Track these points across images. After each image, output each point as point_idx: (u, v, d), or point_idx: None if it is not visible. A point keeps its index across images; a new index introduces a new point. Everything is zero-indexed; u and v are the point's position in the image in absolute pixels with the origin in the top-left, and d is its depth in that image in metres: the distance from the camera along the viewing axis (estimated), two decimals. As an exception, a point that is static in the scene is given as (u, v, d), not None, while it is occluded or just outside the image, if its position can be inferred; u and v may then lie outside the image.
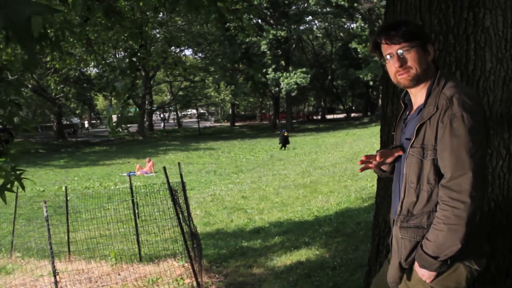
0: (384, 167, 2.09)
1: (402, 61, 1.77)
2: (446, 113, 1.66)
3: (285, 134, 24.74)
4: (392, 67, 1.81)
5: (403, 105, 2.00)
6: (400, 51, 1.77)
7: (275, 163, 18.75)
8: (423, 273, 1.76)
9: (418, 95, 1.85)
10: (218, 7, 3.43)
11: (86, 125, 52.98)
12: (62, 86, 29.23)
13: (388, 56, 1.81)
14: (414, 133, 1.77)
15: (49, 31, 3.05)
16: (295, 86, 35.71)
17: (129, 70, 3.92)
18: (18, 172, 2.42)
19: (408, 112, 1.96)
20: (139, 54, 3.99)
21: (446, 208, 1.65)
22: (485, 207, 2.35)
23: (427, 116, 1.72)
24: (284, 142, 24.42)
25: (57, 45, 2.86)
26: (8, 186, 2.37)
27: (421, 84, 1.81)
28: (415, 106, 1.89)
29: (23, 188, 2.45)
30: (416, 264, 1.78)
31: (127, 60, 3.99)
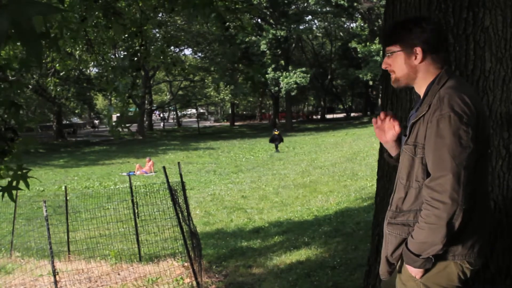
0: (391, 152, 2.08)
1: (386, 63, 1.85)
2: (435, 113, 1.67)
3: (276, 133, 22.99)
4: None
5: (413, 101, 2.02)
6: (386, 53, 1.84)
7: (274, 163, 18.75)
8: (411, 270, 1.79)
9: (420, 92, 1.86)
10: (216, 6, 3.43)
11: (97, 123, 53.09)
12: (61, 87, 29.20)
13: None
14: (408, 130, 1.79)
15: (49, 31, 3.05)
16: (294, 85, 35.68)
17: (130, 69, 3.93)
18: (24, 171, 2.43)
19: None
20: (139, 53, 3.99)
21: (427, 208, 1.67)
22: (487, 208, 2.35)
23: (420, 114, 1.74)
24: (275, 142, 22.56)
25: (54, 43, 2.86)
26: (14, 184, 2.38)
27: (419, 82, 1.83)
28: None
29: (27, 186, 2.46)
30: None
31: (127, 60, 3.99)
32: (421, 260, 1.72)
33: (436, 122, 1.65)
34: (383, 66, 1.87)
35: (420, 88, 1.84)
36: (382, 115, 2.03)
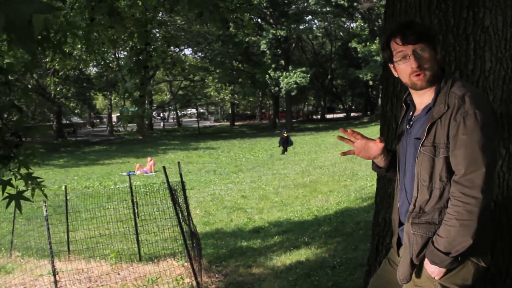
0: (379, 163, 2.11)
1: (419, 61, 1.76)
2: (458, 111, 1.68)
3: (285, 135, 22.10)
4: (407, 67, 1.79)
5: (405, 106, 2.00)
6: (417, 51, 1.77)
7: (274, 163, 18.75)
8: (433, 270, 1.77)
9: (424, 95, 1.85)
10: (218, 6, 3.43)
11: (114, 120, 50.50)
12: (61, 87, 29.21)
13: (401, 56, 1.80)
14: (424, 132, 1.78)
15: (51, 33, 3.05)
16: (294, 85, 35.68)
17: (136, 68, 3.93)
18: (36, 180, 2.37)
19: (411, 112, 1.96)
20: (145, 52, 3.99)
21: (458, 204, 1.67)
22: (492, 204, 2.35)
23: (438, 115, 1.74)
24: (285, 144, 21.80)
25: (59, 48, 2.86)
26: (25, 194, 2.31)
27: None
28: (420, 106, 1.89)
29: (45, 196, 2.41)
30: (426, 261, 1.79)
31: (132, 59, 3.99)
32: (450, 259, 1.71)
33: (462, 119, 1.67)
34: (414, 65, 1.76)
35: (427, 90, 1.83)
36: (353, 134, 2.10)
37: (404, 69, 1.81)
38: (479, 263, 1.77)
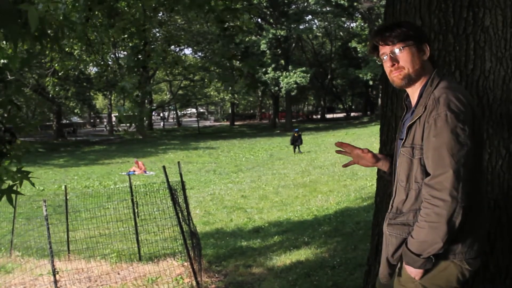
0: (382, 168, 2.15)
1: (393, 60, 1.80)
2: (432, 113, 1.69)
3: (296, 135, 21.40)
4: (386, 67, 1.85)
5: (405, 107, 2.02)
6: (392, 51, 1.80)
7: (274, 162, 18.75)
8: (411, 270, 1.78)
9: (414, 96, 1.87)
10: (215, 6, 3.44)
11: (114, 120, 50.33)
12: (61, 87, 29.20)
13: (384, 57, 1.84)
14: (405, 133, 1.81)
15: (49, 31, 3.04)
16: (294, 85, 35.69)
17: (135, 67, 3.94)
18: (25, 173, 2.41)
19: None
20: (143, 51, 4.00)
21: (427, 206, 1.67)
22: (483, 206, 2.35)
23: (417, 116, 1.76)
24: (295, 142, 21.32)
25: (55, 42, 2.85)
26: (14, 188, 2.36)
27: (417, 84, 1.83)
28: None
29: (33, 184, 2.47)
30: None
31: (132, 59, 4.00)
32: (421, 260, 1.71)
33: (434, 121, 1.67)
34: (388, 64, 1.81)
35: (416, 90, 1.85)
36: (343, 146, 2.20)
37: (385, 68, 1.86)
38: (463, 266, 1.76)
